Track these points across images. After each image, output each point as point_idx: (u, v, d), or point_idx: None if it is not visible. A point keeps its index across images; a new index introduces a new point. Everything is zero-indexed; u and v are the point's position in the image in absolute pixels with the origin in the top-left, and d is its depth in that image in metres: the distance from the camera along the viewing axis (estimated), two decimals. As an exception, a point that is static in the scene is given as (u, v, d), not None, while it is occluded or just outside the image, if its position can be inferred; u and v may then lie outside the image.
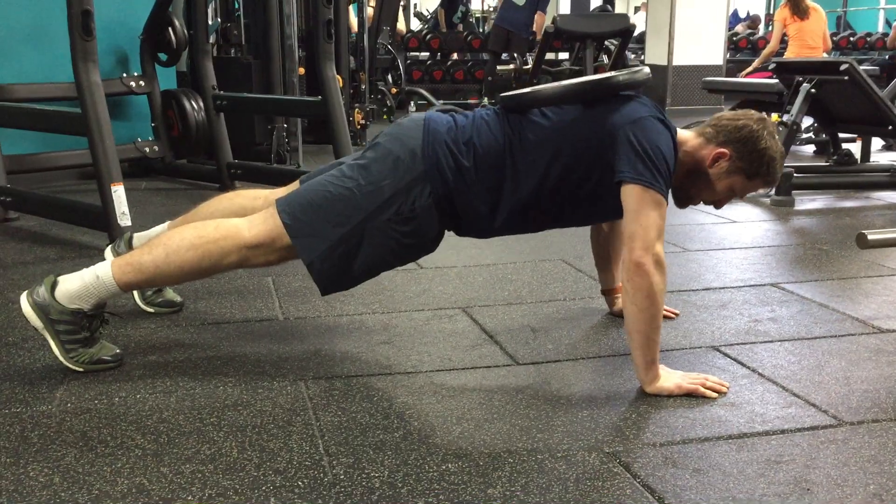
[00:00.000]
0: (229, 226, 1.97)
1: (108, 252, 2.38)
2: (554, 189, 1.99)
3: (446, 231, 2.06)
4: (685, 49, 9.15)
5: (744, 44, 12.09)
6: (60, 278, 1.96)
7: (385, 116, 7.19)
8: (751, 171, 2.01)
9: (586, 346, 2.22)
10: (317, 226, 1.93)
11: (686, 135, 2.06)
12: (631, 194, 1.87)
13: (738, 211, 4.12)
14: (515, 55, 9.06)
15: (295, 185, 2.20)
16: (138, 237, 2.37)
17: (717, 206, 2.11)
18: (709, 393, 1.88)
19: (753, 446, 1.65)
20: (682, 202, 2.12)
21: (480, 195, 1.98)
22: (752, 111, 2.06)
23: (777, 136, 2.03)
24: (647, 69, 2.08)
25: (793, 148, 5.22)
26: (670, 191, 1.98)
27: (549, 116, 2.01)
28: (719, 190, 2.04)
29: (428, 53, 10.30)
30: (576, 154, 1.96)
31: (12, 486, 1.48)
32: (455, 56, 10.72)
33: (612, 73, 2.03)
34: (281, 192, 2.22)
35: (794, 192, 4.28)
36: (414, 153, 1.95)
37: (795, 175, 4.30)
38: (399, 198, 1.92)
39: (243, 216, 2.11)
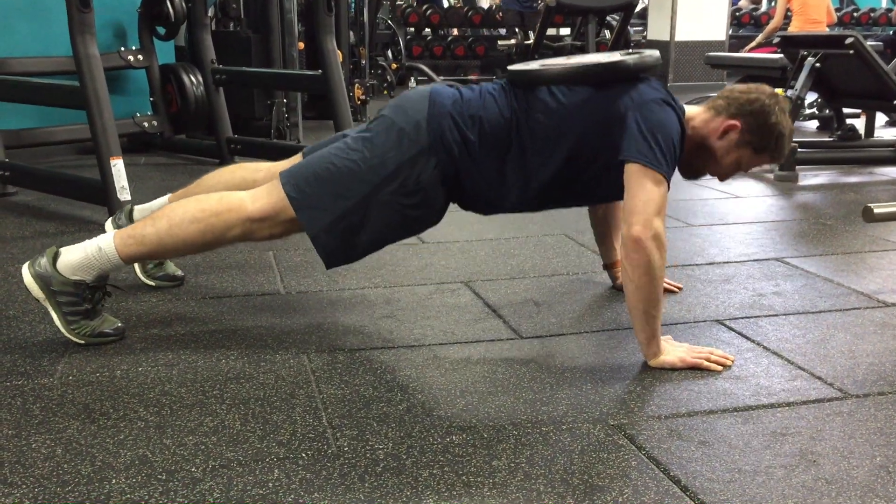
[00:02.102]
0: (232, 199, 1.95)
1: (108, 224, 2.37)
2: (560, 170, 1.97)
3: (450, 205, 2.05)
4: (687, 24, 9.07)
5: (746, 19, 11.99)
6: (62, 249, 1.94)
7: (385, 92, 7.15)
8: (759, 145, 1.99)
9: (590, 319, 2.21)
10: (321, 198, 1.91)
11: (694, 111, 2.04)
12: (632, 172, 1.85)
13: (742, 186, 4.09)
14: (517, 29, 8.99)
15: (297, 159, 2.18)
16: (139, 209, 2.35)
17: (722, 178, 2.10)
18: (713, 366, 1.87)
19: (759, 419, 1.64)
20: (688, 174, 2.10)
21: (485, 170, 1.96)
22: (765, 86, 2.04)
23: (787, 113, 2.01)
24: (656, 53, 2.05)
25: (796, 123, 5.19)
26: (677, 165, 1.97)
27: (557, 96, 1.98)
28: (726, 163, 2.03)
29: (428, 29, 10.22)
30: (583, 136, 1.94)
31: (14, 458, 1.47)
32: (455, 32, 10.65)
33: (623, 57, 1.99)
34: (283, 164, 2.20)
35: (797, 167, 4.25)
36: (419, 125, 1.92)
37: (799, 150, 4.27)
38: (404, 170, 1.90)
39: (245, 189, 2.10)
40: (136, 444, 1.52)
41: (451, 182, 1.96)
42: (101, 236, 1.96)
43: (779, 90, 5.60)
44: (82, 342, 1.96)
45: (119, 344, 1.99)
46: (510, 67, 2.06)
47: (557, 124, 1.95)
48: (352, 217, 1.91)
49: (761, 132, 1.97)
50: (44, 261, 1.93)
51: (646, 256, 1.79)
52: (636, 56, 2.00)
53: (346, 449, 1.51)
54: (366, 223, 1.92)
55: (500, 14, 9.54)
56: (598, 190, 2.07)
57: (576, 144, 1.95)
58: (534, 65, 2.06)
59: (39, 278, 1.91)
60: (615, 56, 2.03)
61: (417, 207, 1.95)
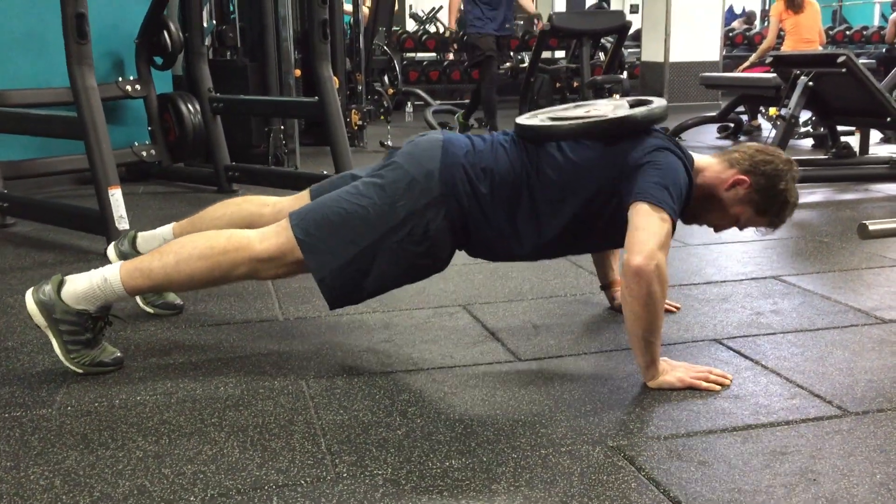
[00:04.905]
0: (241, 237, 1.96)
1: (110, 250, 2.38)
2: (570, 223, 2.00)
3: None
4: (682, 45, 9.16)
5: (740, 39, 12.10)
6: (67, 278, 1.95)
7: (382, 117, 7.18)
8: (762, 206, 2.02)
9: (588, 341, 2.21)
10: (330, 243, 1.92)
11: (706, 162, 2.06)
12: (638, 209, 1.86)
13: (738, 205, 4.11)
14: (510, 53, 9.04)
15: (304, 195, 2.21)
16: (142, 236, 2.36)
17: (717, 229, 2.14)
18: (712, 386, 1.87)
19: (758, 438, 1.64)
20: (687, 220, 2.13)
21: (495, 223, 1.99)
22: (783, 152, 2.08)
23: (797, 183, 2.05)
24: (664, 103, 2.06)
25: (791, 142, 5.21)
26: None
27: (565, 152, 2.00)
28: (727, 215, 2.06)
29: (424, 54, 10.30)
30: (593, 190, 1.96)
31: (13, 490, 1.46)
32: (451, 56, 10.73)
33: (631, 111, 2.01)
34: (289, 200, 2.23)
35: (793, 185, 4.26)
36: (431, 175, 1.94)
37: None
38: (413, 219, 1.92)
39: (251, 224, 2.13)
40: (134, 474, 1.52)
41: (458, 232, 1.98)
42: (107, 267, 1.97)
43: (772, 110, 5.65)
44: (81, 371, 1.95)
45: (118, 373, 1.99)
46: (518, 121, 2.09)
47: (567, 180, 1.98)
48: (359, 262, 1.93)
49: (767, 194, 2.00)
50: (48, 288, 1.93)
51: (645, 288, 1.78)
52: (644, 109, 2.01)
53: (345, 475, 1.51)
54: (373, 268, 1.94)
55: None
56: (608, 238, 2.09)
57: (586, 200, 1.97)
58: (542, 119, 2.07)
59: (42, 305, 1.92)
60: (623, 109, 2.04)
61: (425, 256, 1.97)
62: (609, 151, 1.97)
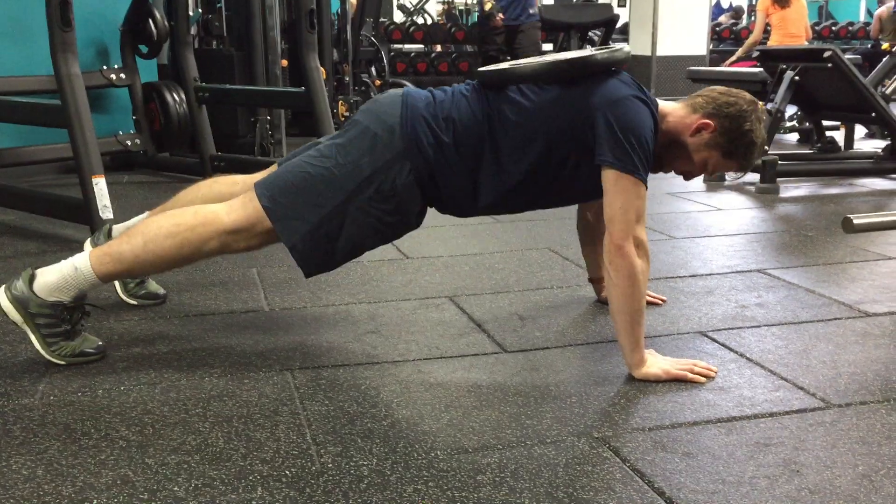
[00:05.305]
0: (207, 212, 1.94)
1: (87, 244, 2.35)
2: (534, 169, 1.97)
3: (428, 212, 2.05)
4: (669, 39, 9.18)
5: (727, 34, 12.14)
6: (38, 271, 1.93)
7: (369, 108, 7.16)
8: (729, 149, 1.99)
9: (574, 333, 2.21)
10: (297, 208, 1.90)
11: (670, 107, 2.04)
12: (609, 178, 1.86)
13: (724, 198, 4.12)
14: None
15: (273, 169, 2.18)
16: (118, 229, 2.34)
17: (687, 177, 2.11)
18: (697, 378, 1.88)
19: (742, 429, 1.65)
20: (653, 168, 2.06)
21: (461, 172, 1.96)
22: (747, 93, 2.05)
23: (763, 123, 2.03)
24: (627, 47, 2.05)
25: (777, 136, 5.24)
26: None
27: (528, 95, 1.97)
28: (694, 161, 2.03)
29: (412, 45, 10.28)
30: (555, 135, 1.94)
31: (-6, 480, 1.45)
32: (439, 48, 10.70)
33: (592, 52, 1.99)
34: (259, 175, 2.20)
35: (778, 179, 4.29)
36: (392, 130, 1.91)
37: (780, 162, 4.31)
38: (379, 176, 1.89)
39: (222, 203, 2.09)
40: (117, 464, 1.51)
41: (427, 185, 1.95)
42: (77, 256, 1.95)
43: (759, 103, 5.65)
44: (63, 363, 1.94)
45: (101, 363, 1.98)
46: (480, 69, 2.07)
47: (529, 124, 1.95)
48: (328, 225, 1.90)
49: (733, 136, 1.97)
50: (20, 283, 1.91)
51: (629, 262, 1.81)
52: (605, 51, 1.99)
53: (329, 466, 1.51)
54: (343, 230, 1.91)
55: (501, 16, 8.96)
56: (575, 189, 2.06)
57: (547, 144, 1.94)
58: (504, 65, 2.06)
59: (16, 301, 1.89)
60: (585, 52, 2.03)
61: (394, 213, 1.94)
62: (570, 93, 1.95)
